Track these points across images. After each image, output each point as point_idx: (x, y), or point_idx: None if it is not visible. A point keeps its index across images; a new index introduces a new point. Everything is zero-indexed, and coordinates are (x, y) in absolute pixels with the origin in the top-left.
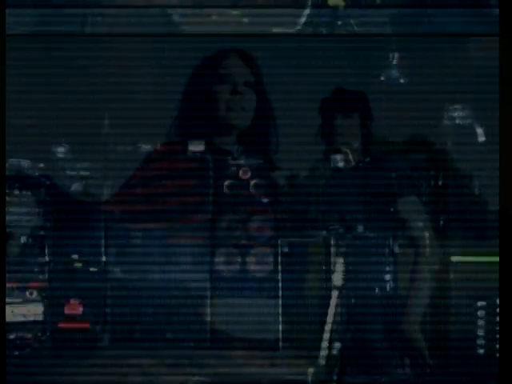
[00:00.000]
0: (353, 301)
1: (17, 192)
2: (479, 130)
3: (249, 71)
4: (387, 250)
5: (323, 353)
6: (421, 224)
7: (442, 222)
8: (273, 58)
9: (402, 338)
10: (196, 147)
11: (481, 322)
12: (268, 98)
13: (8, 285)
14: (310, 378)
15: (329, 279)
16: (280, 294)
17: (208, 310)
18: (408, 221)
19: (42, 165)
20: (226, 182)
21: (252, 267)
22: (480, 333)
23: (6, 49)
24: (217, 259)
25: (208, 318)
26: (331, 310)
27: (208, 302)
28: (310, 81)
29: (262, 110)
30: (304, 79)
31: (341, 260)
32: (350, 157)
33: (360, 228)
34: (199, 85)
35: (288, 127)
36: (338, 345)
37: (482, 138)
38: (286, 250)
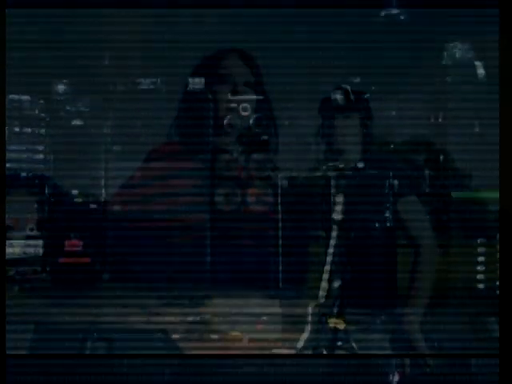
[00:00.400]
0: (352, 234)
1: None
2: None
3: (249, 71)
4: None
5: (323, 289)
6: (421, 224)
7: (441, 222)
8: None
9: (402, 339)
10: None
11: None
12: (268, 98)
13: (8, 221)
14: (309, 313)
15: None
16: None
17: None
18: (408, 221)
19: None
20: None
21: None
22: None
23: (5, 49)
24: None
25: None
26: (331, 245)
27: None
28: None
29: (262, 110)
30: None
31: (341, 197)
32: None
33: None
34: (199, 85)
35: (288, 127)
36: (338, 281)
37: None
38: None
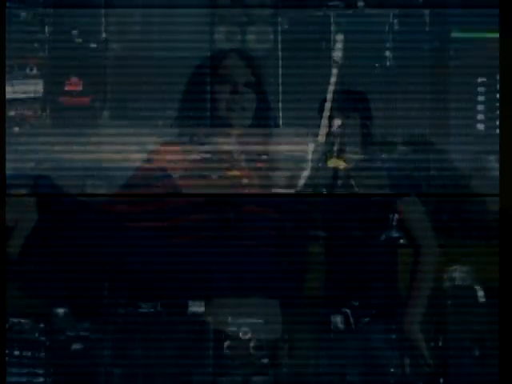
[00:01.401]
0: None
1: None
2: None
3: (249, 71)
4: (387, 27)
5: (323, 130)
6: (421, 224)
7: (442, 222)
8: None
9: (402, 338)
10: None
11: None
12: (268, 98)
13: (8, 62)
14: (309, 153)
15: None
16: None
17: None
18: (408, 221)
19: None
20: None
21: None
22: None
23: (5, 49)
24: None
25: None
26: (331, 88)
27: None
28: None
29: (261, 110)
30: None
31: (341, 37)
32: None
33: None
34: (199, 85)
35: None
36: (337, 121)
37: None
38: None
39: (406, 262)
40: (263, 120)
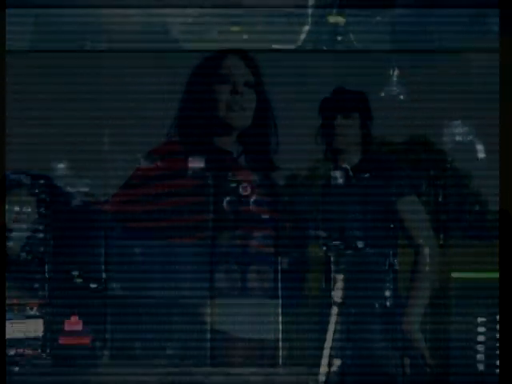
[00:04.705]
0: (353, 318)
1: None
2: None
3: (249, 71)
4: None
5: (323, 369)
6: (421, 224)
7: (441, 222)
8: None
9: (402, 338)
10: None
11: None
12: (268, 98)
13: (8, 301)
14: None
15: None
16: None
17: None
18: (408, 221)
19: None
20: None
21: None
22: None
23: (5, 49)
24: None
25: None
26: (331, 327)
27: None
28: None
29: (261, 110)
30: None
31: (341, 276)
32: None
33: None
34: (199, 85)
35: (288, 127)
36: (338, 361)
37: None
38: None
39: (406, 262)
40: (263, 120)
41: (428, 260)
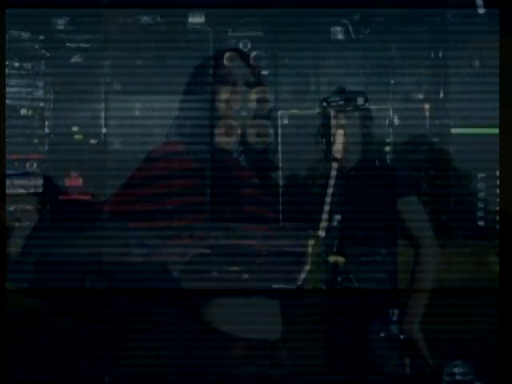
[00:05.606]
0: (353, 173)
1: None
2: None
3: (249, 71)
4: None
5: (323, 225)
6: (421, 224)
7: (442, 222)
8: None
9: (402, 338)
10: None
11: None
12: (268, 98)
13: (8, 157)
14: (309, 250)
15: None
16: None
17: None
18: (408, 221)
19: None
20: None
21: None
22: None
23: (5, 49)
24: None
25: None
26: (331, 182)
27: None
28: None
29: (262, 110)
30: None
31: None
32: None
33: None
34: (199, 85)
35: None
36: (337, 217)
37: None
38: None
39: (406, 262)
40: (263, 120)
41: (428, 260)
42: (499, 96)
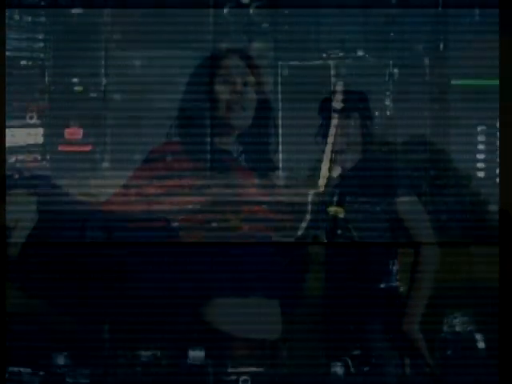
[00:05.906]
0: (352, 123)
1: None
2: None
3: (249, 71)
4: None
5: (323, 176)
6: (421, 224)
7: (441, 222)
8: None
9: (402, 338)
10: None
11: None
12: (268, 98)
13: (8, 108)
14: (309, 200)
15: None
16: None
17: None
18: (408, 221)
19: None
20: None
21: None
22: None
23: (5, 49)
24: None
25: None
26: (331, 133)
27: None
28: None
29: (262, 110)
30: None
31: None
32: None
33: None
34: (199, 85)
35: (288, 127)
36: (337, 169)
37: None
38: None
39: (406, 262)
40: (263, 120)
41: (428, 260)
42: (499, 97)
